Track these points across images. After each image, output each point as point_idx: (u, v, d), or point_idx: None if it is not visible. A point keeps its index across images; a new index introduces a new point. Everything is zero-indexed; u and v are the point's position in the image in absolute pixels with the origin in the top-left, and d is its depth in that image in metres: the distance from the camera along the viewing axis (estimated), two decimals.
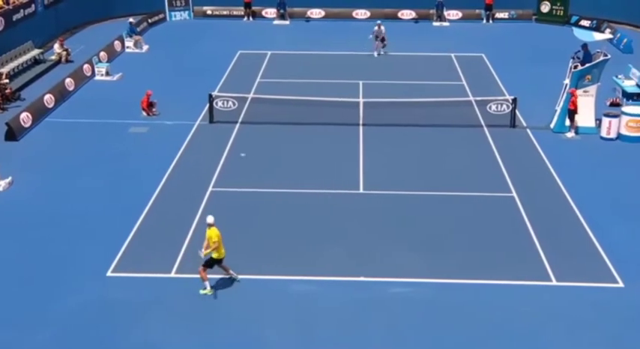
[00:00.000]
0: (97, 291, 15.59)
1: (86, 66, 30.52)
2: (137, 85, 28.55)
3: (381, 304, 15.26)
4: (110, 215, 18.88)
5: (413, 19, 41.37)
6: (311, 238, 17.88)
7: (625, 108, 24.48)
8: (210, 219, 15.25)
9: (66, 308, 15.00)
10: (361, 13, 41.76)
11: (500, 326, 14.51)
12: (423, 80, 30.06)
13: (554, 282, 15.98)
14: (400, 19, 41.44)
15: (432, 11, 41.05)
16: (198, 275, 15.46)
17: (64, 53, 32.59)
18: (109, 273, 16.30)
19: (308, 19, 41.76)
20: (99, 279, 16.05)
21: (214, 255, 15.29)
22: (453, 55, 33.89)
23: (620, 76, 28.29)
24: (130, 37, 35.39)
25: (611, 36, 33.35)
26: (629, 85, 27.67)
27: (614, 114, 23.98)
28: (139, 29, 36.93)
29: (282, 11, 41.22)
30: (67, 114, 26.42)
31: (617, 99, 26.96)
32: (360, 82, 29.46)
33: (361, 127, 24.75)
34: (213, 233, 15.15)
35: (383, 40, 33.76)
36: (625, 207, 19.38)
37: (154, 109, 26.08)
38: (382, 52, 33.88)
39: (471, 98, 26.89)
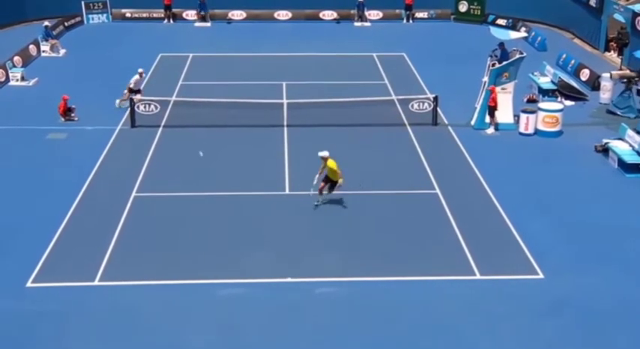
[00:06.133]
0: (17, 303, 15.11)
1: None
2: (55, 90, 27.74)
3: (307, 305, 15.27)
4: (30, 224, 18.32)
5: (334, 19, 41.57)
6: (237, 241, 17.76)
7: (541, 105, 25.18)
8: (324, 153, 18.74)
9: None
10: (283, 14, 41.73)
11: (428, 322, 14.70)
12: (346, 80, 30.23)
13: (478, 276, 16.32)
14: (322, 19, 41.61)
15: (353, 12, 41.32)
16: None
17: None
18: (28, 284, 15.81)
19: (229, 21, 41.45)
20: (18, 291, 15.55)
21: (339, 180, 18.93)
22: (374, 54, 34.20)
23: (535, 73, 29.10)
24: (46, 40, 34.40)
25: (526, 34, 34.36)
26: (544, 81, 28.49)
27: (531, 111, 24.63)
28: (55, 33, 35.95)
29: (202, 13, 40.79)
30: None
31: (534, 96, 27.69)
32: (284, 83, 29.43)
33: (285, 128, 24.73)
34: (333, 164, 18.61)
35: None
36: (543, 200, 19.92)
37: (72, 115, 25.43)
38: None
39: (394, 97, 27.18)
